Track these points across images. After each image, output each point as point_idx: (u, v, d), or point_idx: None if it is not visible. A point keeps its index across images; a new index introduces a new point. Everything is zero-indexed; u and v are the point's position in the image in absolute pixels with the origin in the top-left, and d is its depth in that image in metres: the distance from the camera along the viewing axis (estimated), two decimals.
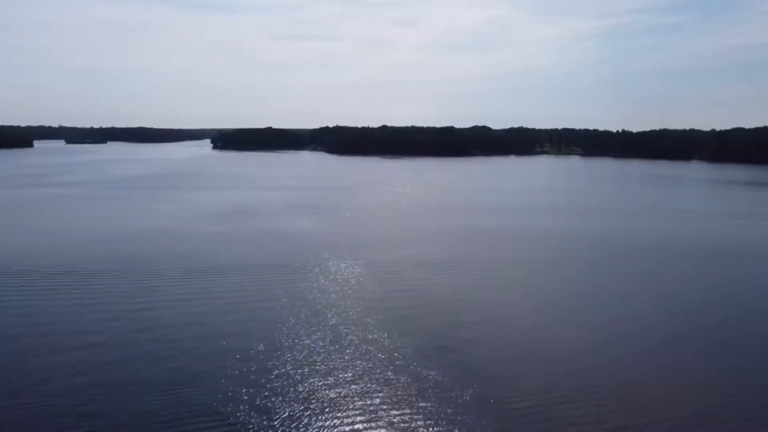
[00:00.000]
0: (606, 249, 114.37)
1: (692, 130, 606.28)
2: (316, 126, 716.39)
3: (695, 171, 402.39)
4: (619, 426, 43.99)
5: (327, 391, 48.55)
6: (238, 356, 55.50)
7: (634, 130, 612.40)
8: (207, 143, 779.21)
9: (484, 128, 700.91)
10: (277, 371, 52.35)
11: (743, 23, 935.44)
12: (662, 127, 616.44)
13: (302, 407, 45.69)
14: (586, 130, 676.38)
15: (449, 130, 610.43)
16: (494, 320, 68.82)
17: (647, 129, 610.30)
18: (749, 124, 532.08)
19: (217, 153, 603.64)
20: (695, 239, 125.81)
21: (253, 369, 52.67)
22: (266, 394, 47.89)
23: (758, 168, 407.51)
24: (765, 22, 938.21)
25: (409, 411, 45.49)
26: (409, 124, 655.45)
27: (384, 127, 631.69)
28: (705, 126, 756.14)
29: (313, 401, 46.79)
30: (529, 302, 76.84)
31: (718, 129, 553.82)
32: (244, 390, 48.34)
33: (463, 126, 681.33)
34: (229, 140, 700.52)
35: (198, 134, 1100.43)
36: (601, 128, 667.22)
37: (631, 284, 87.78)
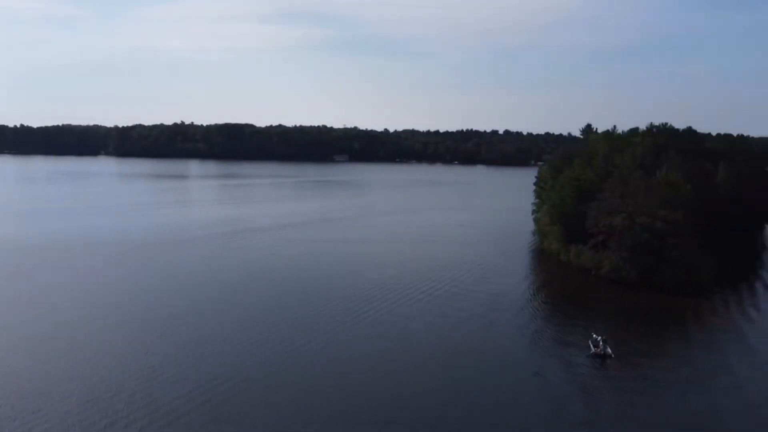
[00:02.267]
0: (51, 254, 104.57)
1: (97, 126, 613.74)
2: None
3: (103, 165, 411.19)
4: None
5: None
6: None
7: (35, 125, 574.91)
8: None
9: None
10: None
11: (138, 25, 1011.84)
12: (65, 123, 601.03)
13: None
14: None
15: None
16: None
17: (50, 124, 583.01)
18: (150, 121, 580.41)
19: None
20: (136, 231, 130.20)
21: None
22: None
23: (156, 161, 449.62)
24: (157, 26, 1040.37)
25: None
26: None
27: None
28: (108, 122, 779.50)
29: None
30: None
31: (121, 125, 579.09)
32: None
33: None
34: None
35: None
36: None
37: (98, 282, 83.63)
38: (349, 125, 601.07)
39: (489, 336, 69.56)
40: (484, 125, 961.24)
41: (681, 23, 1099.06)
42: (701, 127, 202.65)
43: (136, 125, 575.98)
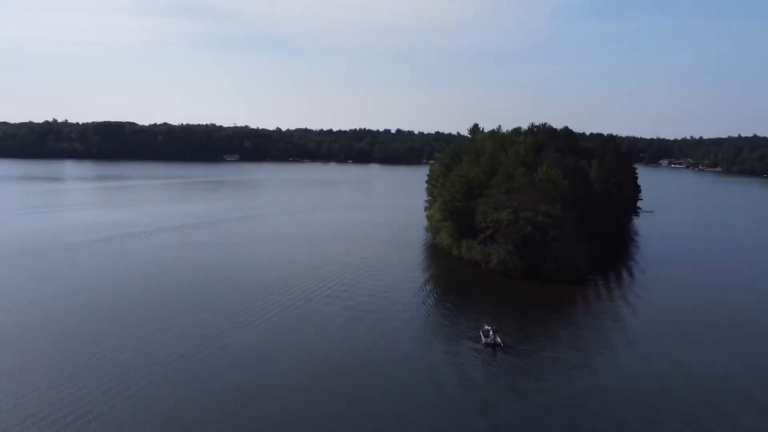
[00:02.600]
0: None
1: None
2: None
3: None
4: None
5: None
6: None
7: None
8: None
9: None
10: None
11: (12, 14, 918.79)
12: None
13: None
14: None
15: None
16: None
17: None
18: (17, 118, 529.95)
19: None
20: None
21: None
22: None
23: (25, 162, 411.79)
24: (33, 16, 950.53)
25: None
26: None
27: None
28: None
29: None
30: None
31: None
32: None
33: None
34: None
35: None
36: None
37: None
38: (240, 124, 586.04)
39: (384, 333, 70.03)
40: (376, 124, 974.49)
41: (562, 30, 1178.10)
42: (577, 127, 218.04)
43: (0, 123, 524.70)
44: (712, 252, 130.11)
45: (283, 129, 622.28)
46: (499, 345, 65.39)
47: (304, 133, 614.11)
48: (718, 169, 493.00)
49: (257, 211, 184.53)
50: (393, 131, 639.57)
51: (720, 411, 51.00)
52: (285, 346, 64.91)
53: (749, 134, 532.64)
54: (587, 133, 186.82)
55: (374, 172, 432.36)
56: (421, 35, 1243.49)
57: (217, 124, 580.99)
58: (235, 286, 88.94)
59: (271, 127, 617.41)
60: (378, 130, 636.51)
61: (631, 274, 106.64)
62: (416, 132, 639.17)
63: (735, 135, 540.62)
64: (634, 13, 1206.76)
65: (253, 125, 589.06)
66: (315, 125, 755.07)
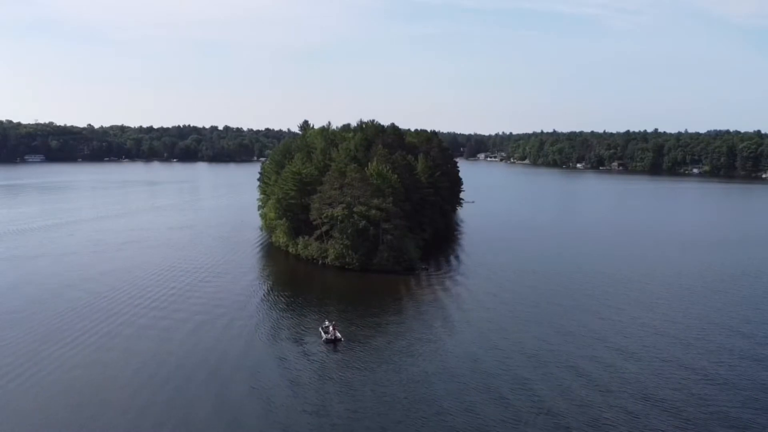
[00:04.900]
0: None
1: None
2: None
3: None
4: None
5: None
6: None
7: None
8: None
9: None
10: None
11: None
12: None
13: None
14: None
15: None
16: None
17: None
18: None
19: None
20: None
21: None
22: None
23: None
24: None
25: None
26: None
27: None
28: None
29: None
30: None
31: None
32: None
33: None
34: None
35: None
36: None
37: None
38: (43, 120, 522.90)
39: (223, 338, 66.97)
40: (202, 121, 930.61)
41: (375, 30, 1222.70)
42: (402, 124, 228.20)
43: None
44: (525, 234, 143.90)
45: (96, 126, 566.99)
46: (339, 340, 65.83)
47: (121, 130, 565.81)
48: (526, 161, 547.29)
49: (70, 217, 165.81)
50: (221, 128, 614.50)
51: (527, 386, 56.38)
52: (120, 364, 59.11)
53: (549, 130, 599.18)
54: (412, 129, 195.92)
55: (202, 170, 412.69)
56: (232, 28, 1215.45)
57: (14, 120, 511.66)
58: (34, 300, 79.16)
59: (82, 123, 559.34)
60: (204, 127, 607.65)
61: (456, 260, 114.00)
62: (245, 129, 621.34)
63: (539, 131, 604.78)
64: (439, 18, 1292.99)
65: (59, 122, 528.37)
66: (133, 122, 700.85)
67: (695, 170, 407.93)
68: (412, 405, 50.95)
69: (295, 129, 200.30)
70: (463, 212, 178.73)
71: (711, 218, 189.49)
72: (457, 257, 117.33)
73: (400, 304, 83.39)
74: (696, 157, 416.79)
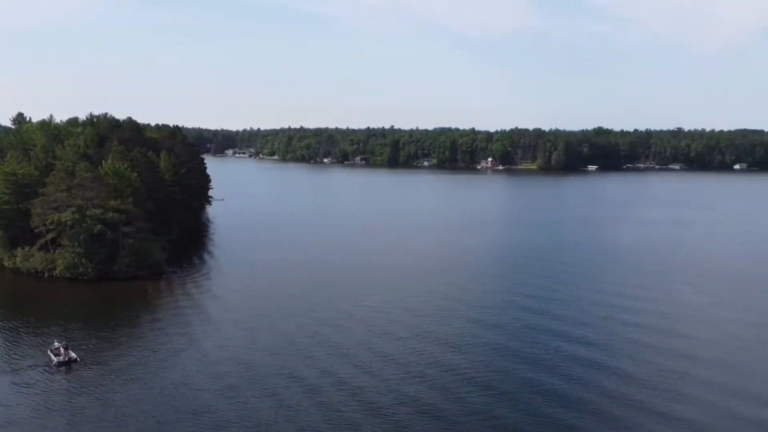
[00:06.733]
0: None
1: None
2: None
3: None
4: None
5: None
6: None
7: None
8: None
9: None
10: None
11: None
12: None
13: None
14: None
15: None
16: None
17: None
18: None
19: None
20: None
21: None
22: None
23: None
24: None
25: None
26: None
27: None
28: None
29: None
30: None
31: None
32: None
33: None
34: None
35: None
36: None
37: None
38: None
39: None
40: None
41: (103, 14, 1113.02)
42: (141, 119, 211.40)
43: None
44: (275, 231, 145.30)
45: None
46: (74, 360, 58.54)
47: None
48: (275, 157, 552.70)
49: None
50: None
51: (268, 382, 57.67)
52: None
53: (297, 126, 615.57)
54: (152, 124, 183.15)
55: None
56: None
57: None
58: None
59: None
60: None
61: (206, 260, 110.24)
62: None
63: (286, 126, 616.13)
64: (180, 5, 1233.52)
65: None
66: None
67: (426, 163, 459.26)
68: (165, 418, 47.83)
69: (7, 123, 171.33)
70: (212, 210, 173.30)
71: (445, 204, 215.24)
72: (206, 257, 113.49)
73: (146, 313, 77.39)
74: (426, 151, 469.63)
